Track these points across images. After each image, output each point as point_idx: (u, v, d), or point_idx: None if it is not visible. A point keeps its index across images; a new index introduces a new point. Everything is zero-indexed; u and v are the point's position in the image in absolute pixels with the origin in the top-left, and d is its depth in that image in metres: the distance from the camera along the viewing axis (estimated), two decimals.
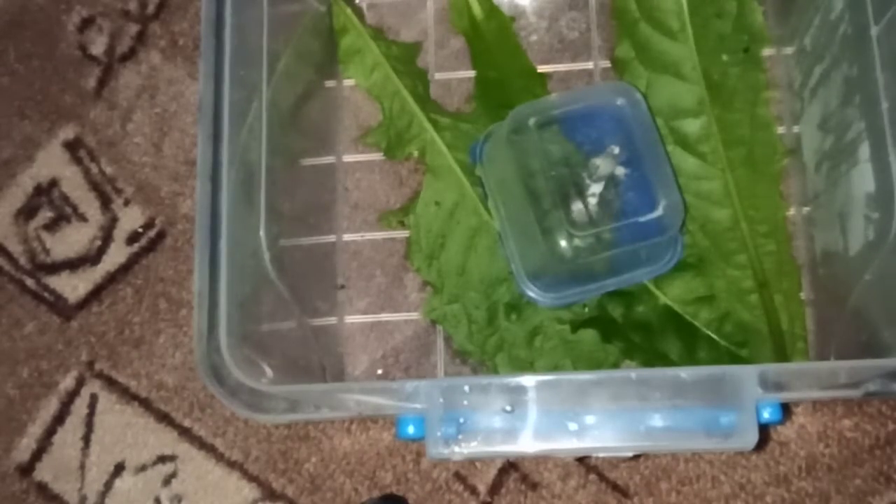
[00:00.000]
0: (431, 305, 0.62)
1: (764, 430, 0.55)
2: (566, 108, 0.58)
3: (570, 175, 0.57)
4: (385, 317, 0.64)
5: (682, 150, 0.62)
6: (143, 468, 0.63)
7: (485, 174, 0.62)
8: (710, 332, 0.60)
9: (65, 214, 0.68)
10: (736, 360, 0.59)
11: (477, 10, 0.66)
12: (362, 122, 0.67)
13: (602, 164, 0.57)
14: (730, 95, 0.62)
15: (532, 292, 0.61)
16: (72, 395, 0.64)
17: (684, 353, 0.59)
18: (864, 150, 0.52)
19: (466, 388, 0.46)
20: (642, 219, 0.56)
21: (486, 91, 0.65)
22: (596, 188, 0.57)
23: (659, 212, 0.56)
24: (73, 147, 0.69)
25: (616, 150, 0.57)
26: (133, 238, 0.67)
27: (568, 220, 0.56)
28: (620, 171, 0.57)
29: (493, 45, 0.66)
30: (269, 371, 0.49)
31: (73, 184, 0.68)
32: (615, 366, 0.60)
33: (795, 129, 0.63)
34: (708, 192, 0.62)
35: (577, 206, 0.57)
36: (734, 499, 0.60)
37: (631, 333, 0.60)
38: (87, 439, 0.63)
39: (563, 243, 0.56)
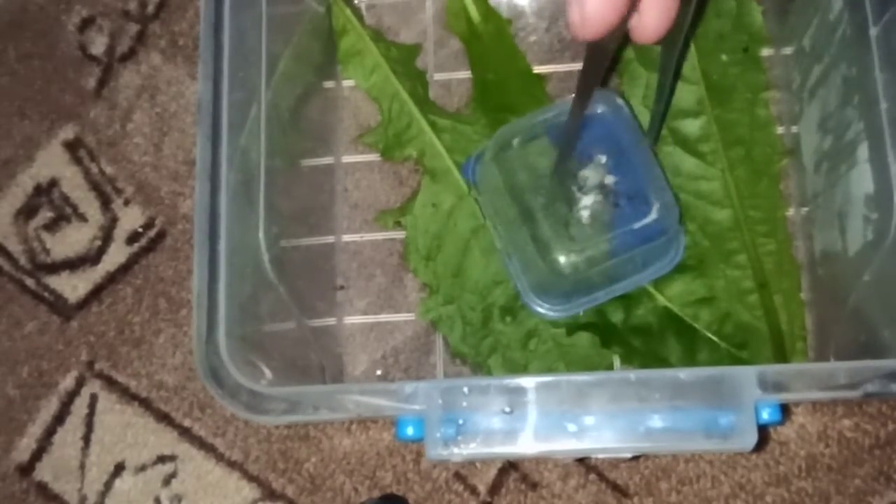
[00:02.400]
0: (427, 306, 0.62)
1: (764, 430, 0.55)
2: (548, 123, 0.58)
3: (559, 189, 0.57)
4: (385, 317, 0.64)
5: (681, 150, 0.62)
6: (143, 468, 0.63)
7: (479, 195, 0.62)
8: (710, 335, 0.60)
9: (65, 214, 0.68)
10: (736, 362, 0.59)
11: (474, 13, 0.66)
12: (362, 123, 0.67)
13: (591, 175, 0.57)
14: (729, 95, 0.62)
15: (541, 308, 0.61)
16: (72, 395, 0.64)
17: (684, 357, 0.59)
18: (863, 151, 0.52)
19: (466, 389, 0.46)
20: (637, 225, 0.56)
21: (484, 94, 0.65)
22: (587, 200, 0.57)
23: (654, 215, 0.56)
24: (73, 147, 0.69)
25: (603, 159, 0.57)
26: (133, 238, 0.67)
27: (563, 236, 0.56)
28: (610, 179, 0.57)
29: (490, 47, 0.66)
30: (268, 372, 0.50)
31: (73, 184, 0.68)
32: (609, 369, 0.60)
33: (794, 129, 0.63)
34: (708, 192, 0.62)
35: (571, 221, 0.57)
36: (734, 499, 0.60)
37: (630, 338, 0.60)
38: (87, 439, 0.63)
39: (562, 259, 0.56)
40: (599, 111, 0.58)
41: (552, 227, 0.56)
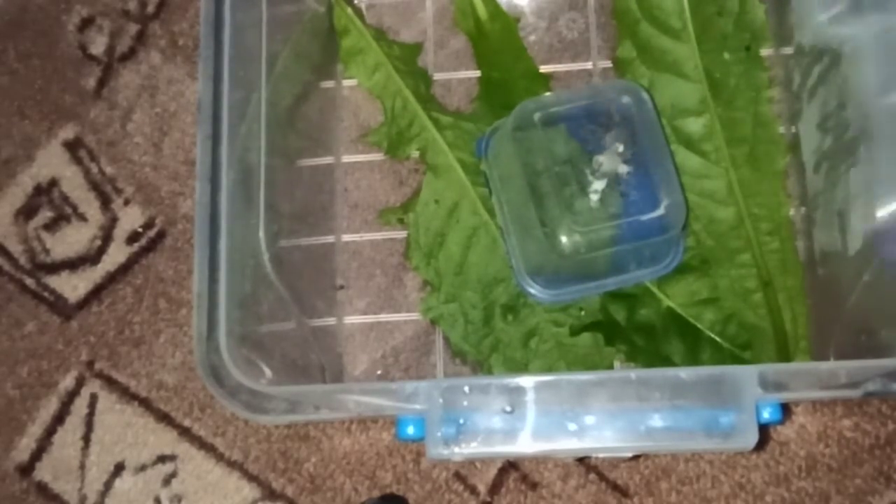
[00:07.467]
0: (428, 304, 0.62)
1: (764, 430, 0.55)
2: (571, 104, 0.58)
3: (573, 172, 0.57)
4: (385, 317, 0.64)
5: (685, 149, 0.62)
6: (143, 468, 0.63)
7: (489, 168, 0.62)
8: (713, 335, 0.60)
9: (65, 214, 0.68)
10: (739, 362, 0.59)
11: (482, 11, 0.66)
12: (362, 123, 0.67)
13: (605, 162, 0.57)
14: (732, 94, 0.62)
15: (532, 289, 0.61)
16: (72, 395, 0.64)
17: (687, 357, 0.59)
18: (863, 151, 0.52)
19: (466, 388, 0.46)
20: (644, 217, 0.56)
21: (489, 92, 0.65)
22: (598, 185, 0.57)
23: (661, 211, 0.56)
24: (73, 147, 0.69)
25: (620, 147, 0.57)
26: (133, 238, 0.67)
27: (569, 215, 0.56)
28: (623, 168, 0.57)
29: (497, 46, 0.66)
30: (268, 371, 0.50)
31: (73, 184, 0.68)
32: (610, 369, 0.60)
33: (794, 129, 0.63)
34: (711, 190, 0.62)
35: (578, 202, 0.57)
36: (734, 499, 0.60)
37: (634, 336, 0.60)
38: (87, 439, 0.63)
39: (564, 238, 0.56)
40: (624, 101, 0.58)
41: (559, 205, 0.56)
